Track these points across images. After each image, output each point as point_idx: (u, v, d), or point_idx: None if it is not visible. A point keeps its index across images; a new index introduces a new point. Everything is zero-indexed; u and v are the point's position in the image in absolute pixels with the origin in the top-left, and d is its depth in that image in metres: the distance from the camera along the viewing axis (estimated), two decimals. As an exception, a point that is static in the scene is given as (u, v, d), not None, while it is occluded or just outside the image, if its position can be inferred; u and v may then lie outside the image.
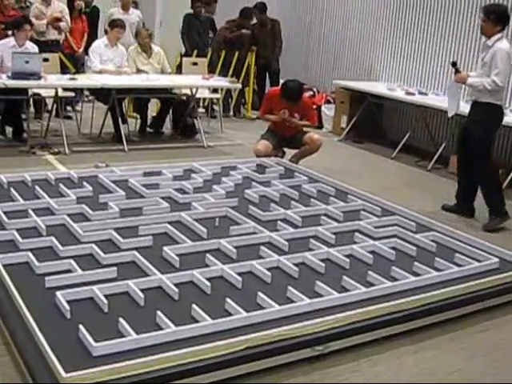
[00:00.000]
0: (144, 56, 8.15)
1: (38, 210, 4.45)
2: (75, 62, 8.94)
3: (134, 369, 2.67)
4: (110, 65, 7.85)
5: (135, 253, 3.82)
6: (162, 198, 4.92)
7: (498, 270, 4.01)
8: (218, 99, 9.35)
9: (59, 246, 3.82)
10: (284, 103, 6.35)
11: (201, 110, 9.44)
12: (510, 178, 6.62)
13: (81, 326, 2.92)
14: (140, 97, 7.94)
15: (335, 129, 9.21)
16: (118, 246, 3.98)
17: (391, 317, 3.38)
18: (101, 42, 7.96)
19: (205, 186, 5.35)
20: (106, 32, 8.36)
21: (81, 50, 9.11)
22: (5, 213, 4.32)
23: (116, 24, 7.92)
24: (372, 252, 4.17)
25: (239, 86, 8.91)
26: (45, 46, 7.99)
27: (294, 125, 6.43)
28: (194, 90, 8.04)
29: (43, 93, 7.36)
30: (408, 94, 7.86)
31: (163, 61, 8.37)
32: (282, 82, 6.72)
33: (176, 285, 3.43)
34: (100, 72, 7.71)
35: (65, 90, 7.48)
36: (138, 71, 8.01)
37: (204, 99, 9.36)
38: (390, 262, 4.03)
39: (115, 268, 3.59)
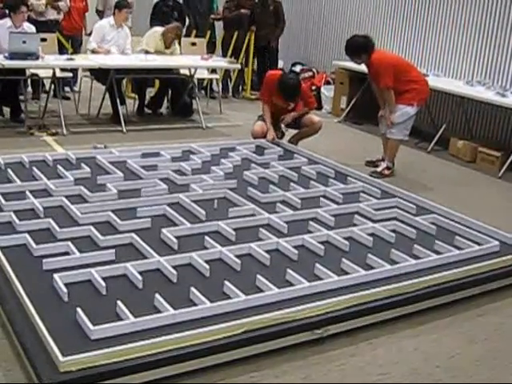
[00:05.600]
0: (162, 44, 8.05)
1: (35, 192, 4.42)
2: (73, 43, 8.85)
3: (132, 352, 2.66)
4: (113, 46, 7.79)
5: (133, 235, 3.79)
6: (161, 179, 4.89)
7: (499, 253, 3.99)
8: (216, 80, 9.29)
9: (57, 227, 3.79)
10: (281, 96, 6.19)
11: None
12: (509, 160, 6.59)
13: (79, 309, 2.91)
14: (139, 77, 7.89)
15: (335, 110, 9.16)
16: (116, 228, 3.96)
17: (391, 300, 3.36)
18: (106, 22, 7.90)
19: (203, 168, 5.32)
20: (97, 12, 8.29)
21: (85, 31, 9.02)
22: (2, 194, 4.29)
23: (123, 5, 7.86)
24: (372, 234, 4.15)
25: (238, 66, 8.84)
26: (44, 26, 7.91)
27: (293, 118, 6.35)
28: (192, 71, 7.98)
29: (41, 73, 7.31)
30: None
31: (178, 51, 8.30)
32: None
33: (174, 267, 3.41)
34: (93, 51, 7.67)
35: (62, 70, 7.43)
36: (156, 52, 7.91)
37: (203, 80, 9.30)
38: (389, 245, 4.01)
39: (113, 250, 3.57)
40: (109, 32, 7.84)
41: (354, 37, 6.16)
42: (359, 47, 6.02)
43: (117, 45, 7.88)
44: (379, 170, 6.18)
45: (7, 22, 7.12)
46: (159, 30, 8.07)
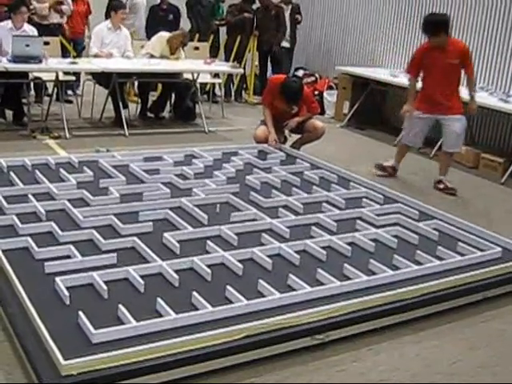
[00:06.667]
0: (168, 49, 8.05)
1: (37, 195, 4.42)
2: (76, 46, 8.87)
3: (133, 356, 2.65)
4: (113, 48, 7.81)
5: (135, 239, 3.79)
6: (163, 183, 4.89)
7: (501, 260, 3.98)
8: (219, 84, 9.29)
9: (59, 231, 3.79)
10: (284, 99, 6.20)
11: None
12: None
13: (80, 313, 2.90)
14: (142, 81, 7.90)
15: (337, 115, 9.17)
16: (118, 231, 3.96)
17: (393, 306, 3.35)
18: (104, 26, 7.91)
19: (206, 172, 5.32)
20: (106, 16, 8.32)
21: (85, 34, 9.03)
22: (4, 197, 4.29)
23: (119, 6, 7.88)
24: (374, 240, 4.14)
25: (241, 71, 8.85)
26: (47, 30, 7.92)
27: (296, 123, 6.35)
28: (195, 75, 7.99)
29: (44, 76, 7.32)
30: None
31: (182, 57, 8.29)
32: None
33: (176, 271, 3.41)
34: (95, 56, 7.68)
35: (65, 73, 7.45)
36: (161, 57, 7.94)
37: (205, 84, 9.31)
38: (391, 251, 4.01)
39: (115, 254, 3.57)
40: (107, 35, 7.85)
41: (434, 14, 5.85)
42: (441, 24, 5.67)
43: (117, 47, 7.89)
44: (442, 187, 6.02)
45: (8, 23, 7.14)
46: (165, 34, 8.07)
